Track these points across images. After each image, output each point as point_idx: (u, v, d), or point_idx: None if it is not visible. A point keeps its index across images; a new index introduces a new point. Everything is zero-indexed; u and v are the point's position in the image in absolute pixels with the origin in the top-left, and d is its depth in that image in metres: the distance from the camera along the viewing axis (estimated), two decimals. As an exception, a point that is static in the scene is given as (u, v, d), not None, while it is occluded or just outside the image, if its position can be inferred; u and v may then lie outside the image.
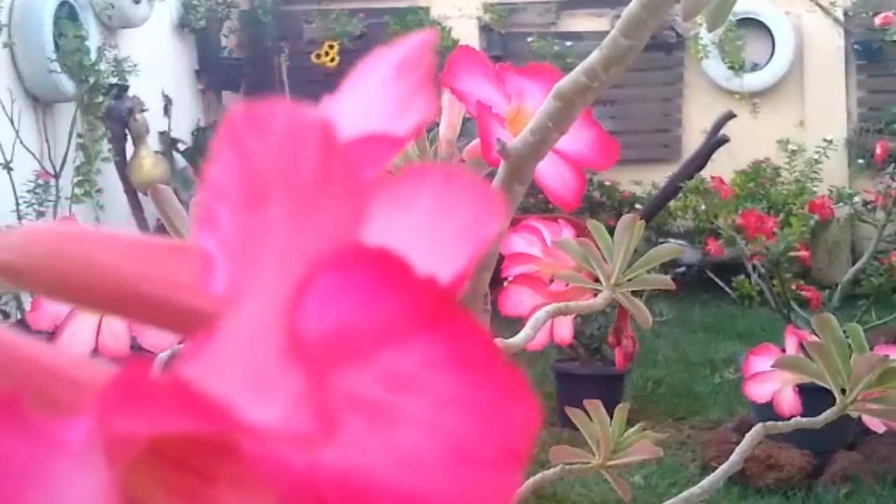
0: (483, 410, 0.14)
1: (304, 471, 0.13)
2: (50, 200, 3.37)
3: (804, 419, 0.67)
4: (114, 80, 3.72)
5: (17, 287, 0.19)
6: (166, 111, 4.42)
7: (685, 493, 0.63)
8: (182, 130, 4.58)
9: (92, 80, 3.52)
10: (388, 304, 0.14)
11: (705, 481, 0.64)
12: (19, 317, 2.91)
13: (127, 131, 3.84)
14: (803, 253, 3.05)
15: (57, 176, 3.47)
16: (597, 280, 0.63)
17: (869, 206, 3.74)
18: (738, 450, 0.65)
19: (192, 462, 0.14)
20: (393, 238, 0.16)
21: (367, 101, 0.19)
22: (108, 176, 3.74)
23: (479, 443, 0.14)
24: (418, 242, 0.16)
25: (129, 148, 3.89)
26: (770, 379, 0.76)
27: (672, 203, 4.18)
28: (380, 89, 0.18)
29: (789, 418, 0.69)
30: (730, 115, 3.25)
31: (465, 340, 0.14)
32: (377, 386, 0.14)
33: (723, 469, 0.64)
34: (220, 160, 0.14)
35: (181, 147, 4.46)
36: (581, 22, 5.18)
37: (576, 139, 0.50)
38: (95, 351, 0.62)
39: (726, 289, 3.45)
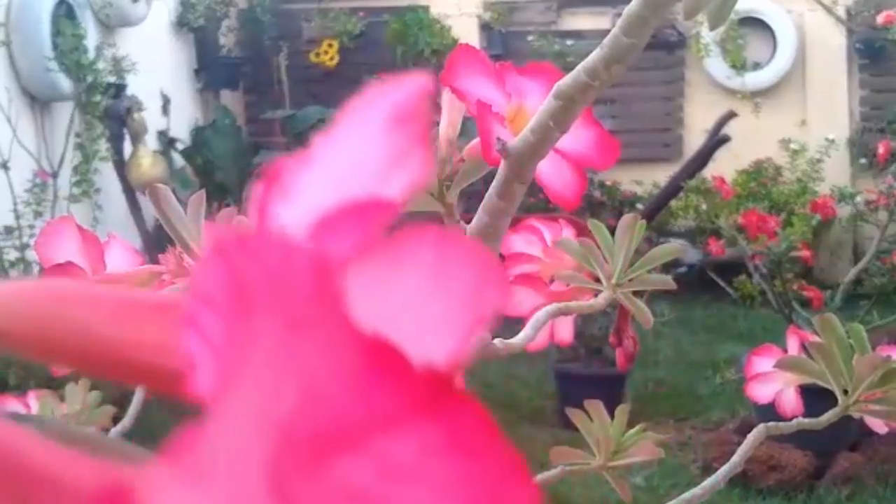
0: (482, 497, 0.14)
1: None
2: (48, 200, 3.37)
3: (806, 420, 0.67)
4: (112, 79, 3.72)
5: None
6: (164, 110, 4.42)
7: (686, 494, 0.63)
8: (180, 130, 4.57)
9: (90, 78, 3.52)
10: (379, 392, 0.14)
11: (706, 482, 0.63)
12: None
13: (125, 130, 3.84)
14: (805, 253, 3.05)
15: (55, 175, 3.47)
16: (597, 280, 0.63)
17: (871, 206, 3.74)
18: (739, 451, 0.64)
19: None
20: (384, 310, 0.16)
21: (356, 155, 0.18)
22: (106, 175, 3.73)
23: None
24: (412, 314, 0.16)
25: (128, 147, 3.89)
26: (772, 379, 0.76)
27: (673, 203, 4.17)
28: (369, 142, 0.18)
29: (791, 419, 0.69)
30: (731, 115, 3.25)
31: (462, 425, 0.14)
32: (372, 475, 0.14)
33: (724, 470, 0.64)
34: (209, 270, 0.15)
35: (179, 146, 4.46)
36: (582, 20, 5.18)
37: (576, 138, 0.50)
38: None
39: (728, 289, 3.45)
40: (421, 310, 0.16)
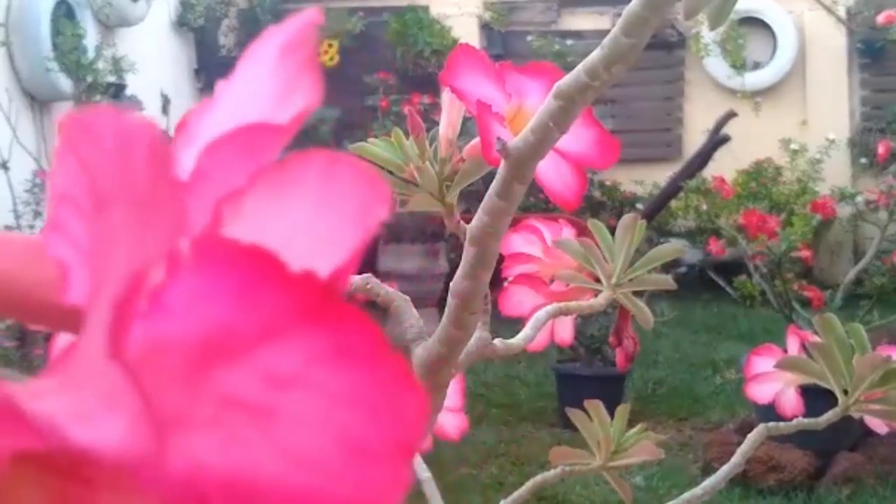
0: (370, 403, 0.14)
1: (187, 474, 0.13)
2: (47, 200, 3.37)
3: (806, 420, 0.67)
4: (112, 79, 3.72)
5: None
6: (164, 110, 4.42)
7: (686, 495, 0.63)
8: (182, 129, 4.57)
9: (90, 78, 3.52)
10: (261, 302, 0.14)
11: (707, 482, 0.63)
12: None
13: (126, 130, 3.84)
14: (805, 253, 3.05)
15: (56, 175, 3.47)
16: (597, 280, 0.63)
17: (871, 206, 3.74)
18: (739, 451, 0.64)
19: (67, 473, 0.14)
20: (275, 230, 0.16)
21: (252, 87, 0.18)
22: (108, 175, 3.74)
23: (368, 436, 0.14)
24: (303, 233, 0.16)
25: (129, 147, 3.89)
26: (772, 379, 0.76)
27: (673, 203, 4.17)
28: (263, 73, 0.18)
29: (791, 419, 0.69)
30: (731, 115, 3.25)
31: (348, 334, 0.14)
32: (259, 385, 0.14)
33: (724, 470, 0.64)
34: (60, 166, 0.14)
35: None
36: (582, 20, 5.18)
37: (576, 138, 0.50)
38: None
39: (728, 289, 3.44)
40: (309, 230, 0.16)
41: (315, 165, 0.17)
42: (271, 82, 0.18)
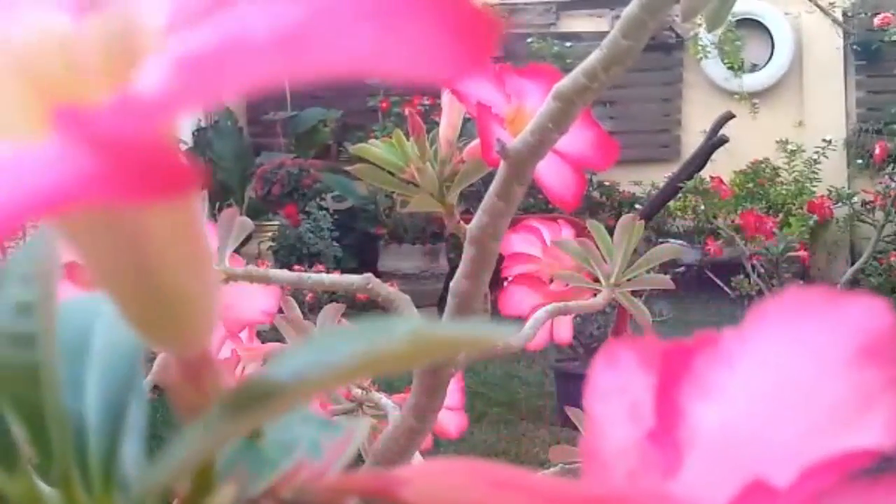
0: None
1: None
2: (49, 200, 3.37)
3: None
4: (113, 81, 3.73)
5: None
6: (165, 111, 4.42)
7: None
8: (182, 130, 4.58)
9: (91, 80, 3.52)
10: None
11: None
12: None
13: (126, 131, 3.84)
14: (802, 253, 3.06)
15: (56, 176, 3.47)
16: (596, 280, 0.63)
17: (868, 207, 3.75)
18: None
19: None
20: None
21: (803, 374, 0.16)
22: (108, 176, 3.73)
23: None
24: None
25: (129, 148, 3.89)
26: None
27: (671, 203, 4.18)
28: (824, 366, 0.16)
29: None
30: (729, 116, 3.26)
31: None
32: None
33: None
34: None
35: (181, 147, 4.47)
36: (581, 22, 5.19)
37: (575, 139, 0.50)
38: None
39: (726, 289, 3.45)
40: None
41: None
42: (840, 384, 0.16)
